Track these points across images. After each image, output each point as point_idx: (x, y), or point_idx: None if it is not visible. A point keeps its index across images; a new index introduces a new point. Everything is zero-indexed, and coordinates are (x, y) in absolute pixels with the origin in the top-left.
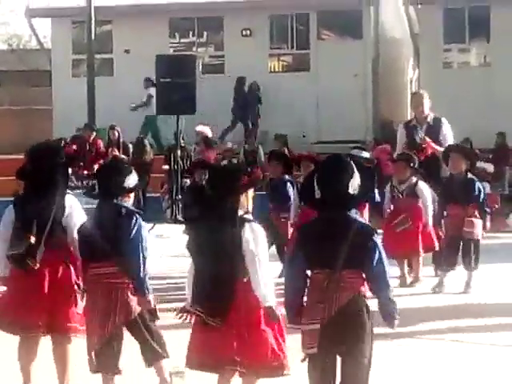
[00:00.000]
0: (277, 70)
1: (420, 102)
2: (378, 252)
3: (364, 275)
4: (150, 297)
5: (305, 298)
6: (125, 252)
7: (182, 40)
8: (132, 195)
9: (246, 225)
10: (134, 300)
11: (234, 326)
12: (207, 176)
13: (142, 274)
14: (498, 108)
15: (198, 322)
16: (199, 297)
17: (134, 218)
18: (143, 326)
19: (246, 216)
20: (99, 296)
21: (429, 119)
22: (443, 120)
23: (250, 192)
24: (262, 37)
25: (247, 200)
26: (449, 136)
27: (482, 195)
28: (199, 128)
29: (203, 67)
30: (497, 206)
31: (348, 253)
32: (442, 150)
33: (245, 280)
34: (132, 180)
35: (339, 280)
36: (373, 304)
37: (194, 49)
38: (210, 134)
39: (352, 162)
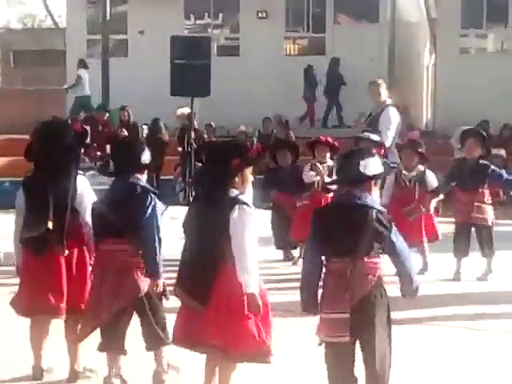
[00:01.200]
0: (292, 53)
1: (376, 91)
2: (396, 234)
3: (388, 255)
4: (161, 281)
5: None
6: (139, 231)
7: (197, 21)
8: (145, 173)
9: (236, 206)
10: (143, 280)
11: (215, 309)
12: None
13: (157, 257)
14: None
15: (182, 301)
16: (182, 278)
17: (149, 197)
18: (149, 307)
19: (239, 197)
20: (109, 272)
21: (381, 106)
22: (388, 108)
23: (248, 173)
24: (277, 19)
25: (243, 181)
26: (385, 123)
27: (502, 176)
28: (180, 111)
29: (218, 49)
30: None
31: (368, 240)
32: (376, 137)
33: (231, 264)
34: (146, 156)
35: (361, 268)
36: (389, 290)
37: (209, 30)
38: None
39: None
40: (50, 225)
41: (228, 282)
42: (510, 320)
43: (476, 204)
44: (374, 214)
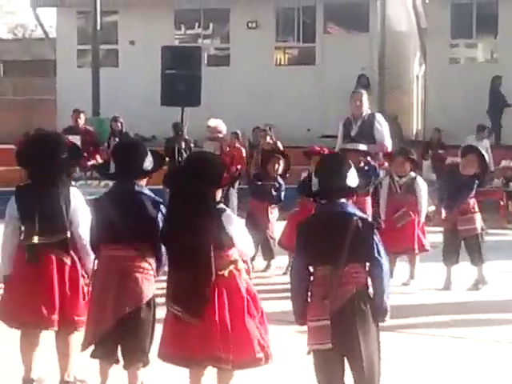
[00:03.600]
0: (282, 63)
1: (359, 99)
2: (376, 244)
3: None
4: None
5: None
6: (151, 244)
7: (188, 31)
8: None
9: (224, 215)
10: (146, 287)
11: (217, 320)
12: (184, 164)
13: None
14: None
15: (171, 313)
16: (175, 293)
17: (160, 211)
18: (146, 321)
19: (220, 206)
20: (113, 278)
21: (364, 115)
22: (377, 116)
23: None
24: (268, 29)
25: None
26: (384, 131)
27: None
28: (214, 123)
29: (208, 59)
30: (502, 203)
31: (349, 248)
32: (375, 147)
33: (226, 274)
34: (149, 162)
35: (342, 276)
36: None
37: (200, 40)
38: (224, 129)
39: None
40: (36, 239)
41: (226, 293)
42: (501, 330)
43: (462, 217)
44: (355, 222)
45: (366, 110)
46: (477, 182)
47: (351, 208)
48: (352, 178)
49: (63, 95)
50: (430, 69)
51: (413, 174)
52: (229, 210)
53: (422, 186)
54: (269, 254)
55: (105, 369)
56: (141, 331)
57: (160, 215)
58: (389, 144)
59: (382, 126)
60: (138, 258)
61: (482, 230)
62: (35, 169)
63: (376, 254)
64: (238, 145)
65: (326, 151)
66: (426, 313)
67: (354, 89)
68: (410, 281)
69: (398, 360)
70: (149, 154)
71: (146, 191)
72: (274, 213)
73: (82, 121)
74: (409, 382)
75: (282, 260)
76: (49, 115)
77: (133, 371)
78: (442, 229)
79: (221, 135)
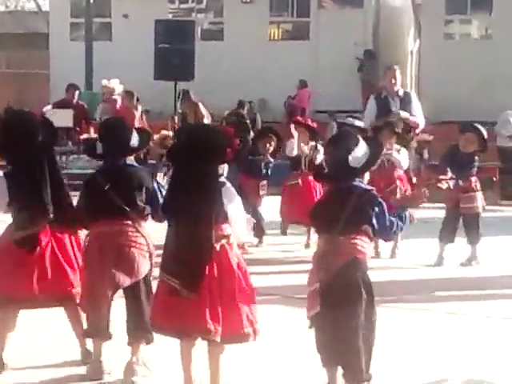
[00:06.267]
0: (276, 37)
1: (393, 76)
2: (376, 215)
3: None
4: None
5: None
6: (145, 210)
7: (182, 5)
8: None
9: (224, 188)
10: (142, 262)
11: (207, 293)
12: (186, 137)
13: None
14: (498, 81)
15: (164, 284)
16: (170, 263)
17: (152, 179)
18: (145, 296)
19: (222, 179)
20: (108, 254)
21: (400, 93)
22: (412, 94)
23: None
24: (262, 4)
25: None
26: (418, 110)
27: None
28: (104, 82)
29: (202, 33)
30: (495, 179)
31: (348, 218)
32: (414, 120)
33: (218, 248)
34: (135, 139)
35: (336, 245)
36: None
37: (194, 15)
38: (117, 89)
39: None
40: (23, 232)
41: (218, 266)
42: (493, 305)
43: (464, 195)
44: (357, 193)
45: (399, 86)
46: (477, 158)
47: (357, 182)
48: (356, 158)
49: (56, 69)
50: (424, 44)
51: (397, 146)
52: (229, 184)
53: (403, 158)
54: (260, 231)
55: (97, 345)
56: (142, 307)
57: (155, 184)
58: (422, 122)
59: (418, 106)
60: (135, 232)
61: (484, 208)
62: (14, 155)
63: (374, 223)
64: (129, 105)
65: (307, 122)
66: (418, 288)
67: (361, 62)
68: (395, 251)
69: (390, 335)
70: (134, 131)
71: (136, 165)
72: (263, 188)
73: (76, 96)
74: (401, 357)
75: (274, 236)
76: (42, 88)
77: (135, 348)
78: (434, 205)
79: (114, 96)
